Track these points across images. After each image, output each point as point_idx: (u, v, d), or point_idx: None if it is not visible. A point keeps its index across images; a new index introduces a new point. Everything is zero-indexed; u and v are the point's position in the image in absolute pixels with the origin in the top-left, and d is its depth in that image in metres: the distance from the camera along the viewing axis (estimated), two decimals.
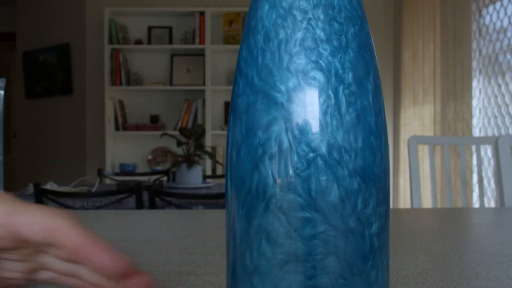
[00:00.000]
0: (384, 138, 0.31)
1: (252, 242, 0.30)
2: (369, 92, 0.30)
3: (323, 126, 0.29)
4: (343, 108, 0.29)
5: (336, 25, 0.30)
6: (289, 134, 0.29)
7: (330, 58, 0.29)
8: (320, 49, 0.30)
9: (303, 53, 0.29)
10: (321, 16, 0.30)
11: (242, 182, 0.31)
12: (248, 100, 0.31)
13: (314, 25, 0.30)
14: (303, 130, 0.29)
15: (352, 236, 0.29)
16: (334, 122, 0.29)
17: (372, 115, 0.30)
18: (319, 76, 0.29)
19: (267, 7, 0.31)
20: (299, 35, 0.30)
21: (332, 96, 0.29)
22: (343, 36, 0.30)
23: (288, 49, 0.30)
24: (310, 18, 0.30)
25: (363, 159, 0.30)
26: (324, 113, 0.29)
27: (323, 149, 0.29)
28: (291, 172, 0.29)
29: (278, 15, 0.30)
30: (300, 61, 0.30)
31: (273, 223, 0.29)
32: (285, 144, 0.29)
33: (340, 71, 0.30)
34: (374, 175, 0.30)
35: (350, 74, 0.30)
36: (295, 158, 0.29)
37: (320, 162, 0.29)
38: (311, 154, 0.29)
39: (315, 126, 0.29)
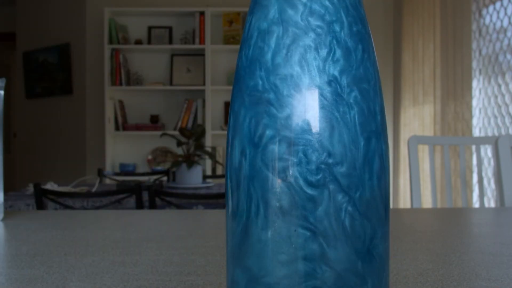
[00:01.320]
0: (386, 159, 0.31)
1: (252, 244, 0.30)
2: (376, 113, 0.31)
3: (324, 134, 0.29)
4: (345, 121, 0.29)
5: (338, 38, 0.30)
6: (289, 139, 0.29)
7: (332, 70, 0.29)
8: (322, 61, 0.29)
9: (305, 62, 0.29)
10: (324, 29, 0.30)
11: (241, 183, 0.31)
12: (247, 105, 0.31)
13: (316, 36, 0.30)
14: (304, 138, 0.29)
15: (352, 250, 0.29)
16: (336, 132, 0.29)
17: (376, 133, 0.30)
18: (322, 86, 0.29)
19: (268, 13, 0.31)
20: (302, 44, 0.30)
21: (337, 105, 0.29)
22: (346, 49, 0.30)
23: (290, 57, 0.30)
24: (313, 29, 0.30)
25: (362, 177, 0.30)
26: (325, 123, 0.29)
27: (324, 158, 0.29)
28: (288, 177, 0.29)
29: (280, 23, 0.30)
30: (302, 68, 0.29)
31: (273, 224, 0.29)
32: (286, 148, 0.29)
33: (343, 84, 0.30)
34: (374, 192, 0.30)
35: (353, 89, 0.30)
36: (294, 164, 0.29)
37: (319, 171, 0.29)
38: (311, 163, 0.29)
39: (315, 133, 0.29)
